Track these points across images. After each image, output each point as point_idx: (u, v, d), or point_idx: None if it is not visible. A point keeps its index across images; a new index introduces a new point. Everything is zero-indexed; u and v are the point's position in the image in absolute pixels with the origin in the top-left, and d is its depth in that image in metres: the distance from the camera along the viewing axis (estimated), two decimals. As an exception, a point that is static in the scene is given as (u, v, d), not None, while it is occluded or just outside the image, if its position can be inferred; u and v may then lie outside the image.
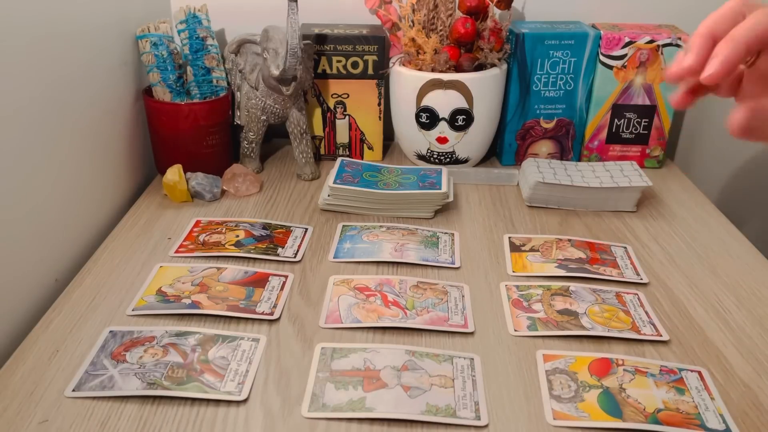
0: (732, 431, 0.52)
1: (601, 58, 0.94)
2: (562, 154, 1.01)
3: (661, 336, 0.62)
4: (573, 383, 0.56)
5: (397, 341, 0.62)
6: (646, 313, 0.66)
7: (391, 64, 0.95)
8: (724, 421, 0.53)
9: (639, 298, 0.68)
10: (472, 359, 0.59)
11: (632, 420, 0.52)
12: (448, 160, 0.96)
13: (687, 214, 0.87)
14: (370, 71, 0.95)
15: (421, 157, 0.97)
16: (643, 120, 0.98)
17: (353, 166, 0.89)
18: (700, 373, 0.58)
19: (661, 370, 0.58)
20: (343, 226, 0.81)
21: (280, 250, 0.75)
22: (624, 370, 0.58)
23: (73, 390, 0.54)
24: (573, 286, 0.70)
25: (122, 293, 0.68)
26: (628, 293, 0.69)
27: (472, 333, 0.63)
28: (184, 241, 0.77)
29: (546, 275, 0.72)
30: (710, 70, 0.44)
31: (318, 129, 1.00)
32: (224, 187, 0.89)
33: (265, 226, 0.80)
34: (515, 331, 0.63)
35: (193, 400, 0.54)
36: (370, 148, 1.01)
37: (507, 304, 0.67)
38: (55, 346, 0.60)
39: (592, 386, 0.56)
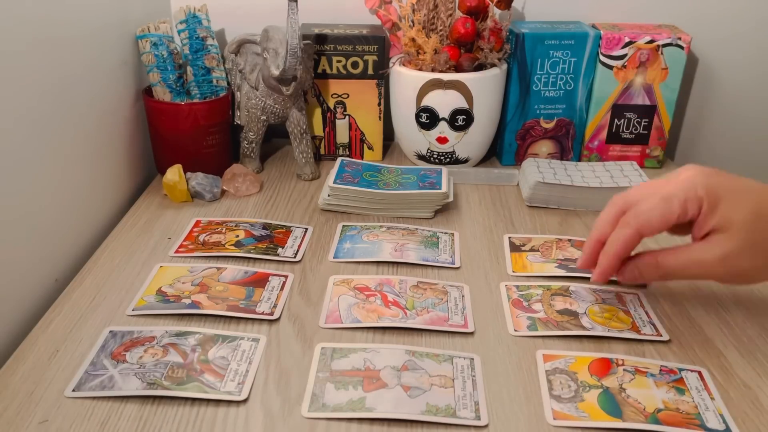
0: (732, 431, 0.52)
1: (601, 58, 0.94)
2: (562, 154, 1.01)
3: (661, 336, 0.62)
4: (573, 383, 0.56)
5: (397, 341, 0.62)
6: (646, 313, 0.66)
7: (391, 64, 0.95)
8: (724, 421, 0.53)
9: (639, 298, 0.68)
10: (472, 359, 0.59)
11: (632, 420, 0.52)
12: (448, 160, 0.96)
13: (687, 214, 0.87)
14: (370, 71, 0.95)
15: (421, 157, 0.97)
16: (643, 120, 0.98)
17: (353, 166, 0.89)
18: (700, 373, 0.58)
19: (661, 370, 0.58)
20: (343, 226, 0.81)
21: (280, 250, 0.75)
22: (624, 370, 0.58)
23: (73, 390, 0.54)
24: (573, 286, 0.70)
25: (122, 293, 0.68)
26: (628, 293, 0.69)
27: (472, 333, 0.63)
28: (184, 241, 0.77)
29: (546, 275, 0.72)
30: (594, 278, 0.60)
31: (318, 129, 1.00)
32: (224, 187, 0.89)
33: (265, 226, 0.80)
34: (515, 331, 0.63)
35: (193, 400, 0.54)
36: (370, 148, 1.01)
37: (507, 304, 0.67)
38: (55, 346, 0.60)
39: (592, 386, 0.56)
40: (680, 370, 0.58)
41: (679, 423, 0.52)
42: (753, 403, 0.55)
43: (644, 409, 0.53)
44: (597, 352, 0.60)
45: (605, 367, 0.58)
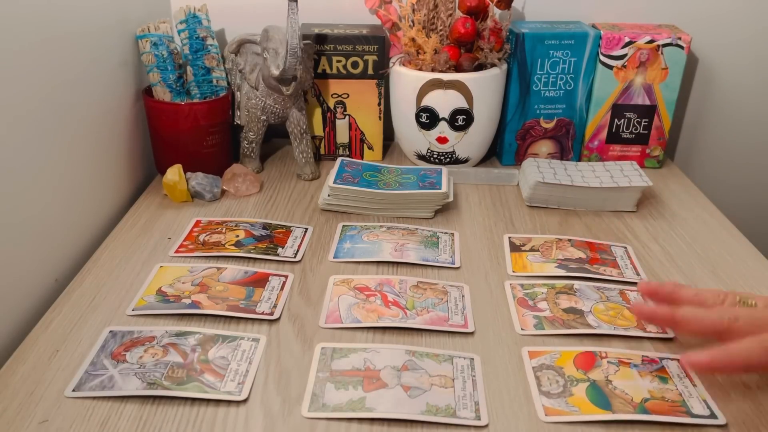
0: (716, 415, 0.53)
1: (601, 58, 0.94)
2: (562, 154, 1.01)
3: (666, 333, 0.63)
4: (560, 378, 0.57)
5: (397, 341, 0.62)
6: (650, 311, 0.66)
7: (391, 64, 0.95)
8: (708, 407, 0.54)
9: (643, 296, 0.68)
10: (472, 359, 0.59)
11: (622, 411, 0.53)
12: (448, 160, 0.96)
13: (687, 214, 0.87)
14: (370, 71, 0.95)
15: (421, 157, 0.97)
16: (643, 120, 0.98)
17: (353, 166, 0.89)
18: (680, 360, 0.59)
19: (642, 360, 0.59)
20: (343, 226, 0.81)
21: (280, 250, 0.75)
22: (608, 362, 0.58)
23: (73, 390, 0.54)
24: (577, 284, 0.70)
25: (122, 293, 0.68)
26: (632, 291, 0.69)
27: (472, 333, 0.63)
28: (184, 241, 0.77)
29: (546, 275, 0.72)
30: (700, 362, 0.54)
31: (318, 129, 1.00)
32: (224, 187, 0.89)
33: (265, 226, 0.80)
34: (522, 330, 0.63)
35: (193, 400, 0.54)
36: (370, 148, 1.01)
37: (512, 303, 0.67)
38: (55, 346, 0.60)
39: (579, 380, 0.56)
40: (661, 359, 0.59)
41: (666, 411, 0.53)
42: (753, 403, 0.55)
43: (632, 400, 0.54)
44: (580, 345, 0.61)
45: (590, 360, 0.59)
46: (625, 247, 0.78)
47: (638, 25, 0.98)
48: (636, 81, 0.95)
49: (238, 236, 0.77)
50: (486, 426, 0.52)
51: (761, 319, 0.55)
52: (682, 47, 0.93)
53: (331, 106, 0.98)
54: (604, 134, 0.99)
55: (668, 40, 0.93)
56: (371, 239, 0.78)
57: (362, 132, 1.00)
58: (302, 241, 0.78)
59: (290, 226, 0.81)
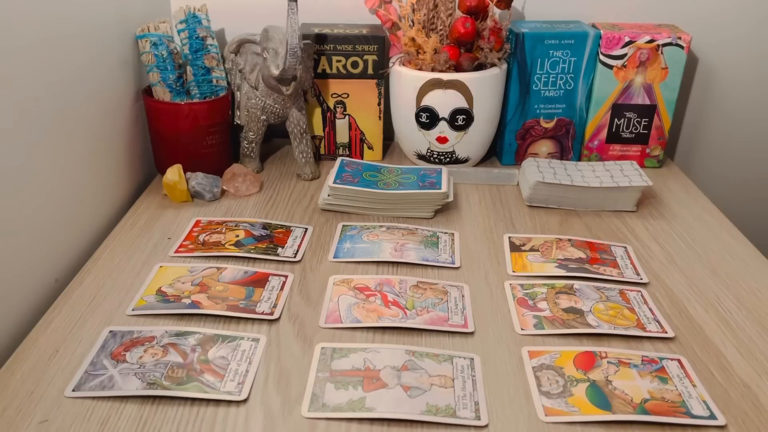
0: (716, 416, 0.53)
1: (601, 57, 0.94)
2: (562, 154, 1.01)
3: (666, 333, 0.63)
4: (560, 378, 0.57)
5: (397, 341, 0.62)
6: (650, 310, 0.66)
7: (391, 64, 0.95)
8: (708, 408, 0.54)
9: (642, 295, 0.68)
10: (472, 359, 0.59)
11: (621, 412, 0.53)
12: (448, 159, 0.96)
13: (687, 214, 0.87)
14: (370, 71, 0.95)
15: (421, 156, 0.97)
16: (643, 120, 0.98)
17: (353, 166, 0.89)
18: (679, 360, 0.59)
19: (642, 360, 0.59)
20: (343, 226, 0.81)
21: (280, 250, 0.75)
22: (608, 362, 0.58)
23: (73, 390, 0.54)
24: (577, 284, 0.70)
25: (122, 293, 0.68)
26: (631, 290, 0.69)
27: (472, 333, 0.63)
28: (184, 241, 0.77)
29: (546, 275, 0.72)
30: None
31: (318, 129, 1.00)
32: (224, 187, 0.89)
33: (265, 226, 0.80)
34: (522, 329, 0.63)
35: (193, 400, 0.54)
36: (370, 147, 1.01)
37: (512, 303, 0.67)
38: (55, 346, 0.60)
39: (579, 380, 0.56)
40: (661, 359, 0.59)
41: (666, 412, 0.53)
42: (753, 403, 0.55)
43: (632, 400, 0.54)
44: (580, 345, 0.61)
45: (590, 360, 0.59)
46: (625, 247, 0.78)
47: (638, 25, 0.98)
48: (636, 81, 0.95)
49: (238, 236, 0.77)
50: (486, 426, 0.52)
51: None
52: (682, 47, 0.93)
53: (331, 106, 0.98)
54: (604, 134, 0.99)
55: (668, 40, 0.93)
56: (371, 239, 0.78)
57: (362, 132, 1.00)
58: (302, 241, 0.78)
59: (290, 226, 0.81)
